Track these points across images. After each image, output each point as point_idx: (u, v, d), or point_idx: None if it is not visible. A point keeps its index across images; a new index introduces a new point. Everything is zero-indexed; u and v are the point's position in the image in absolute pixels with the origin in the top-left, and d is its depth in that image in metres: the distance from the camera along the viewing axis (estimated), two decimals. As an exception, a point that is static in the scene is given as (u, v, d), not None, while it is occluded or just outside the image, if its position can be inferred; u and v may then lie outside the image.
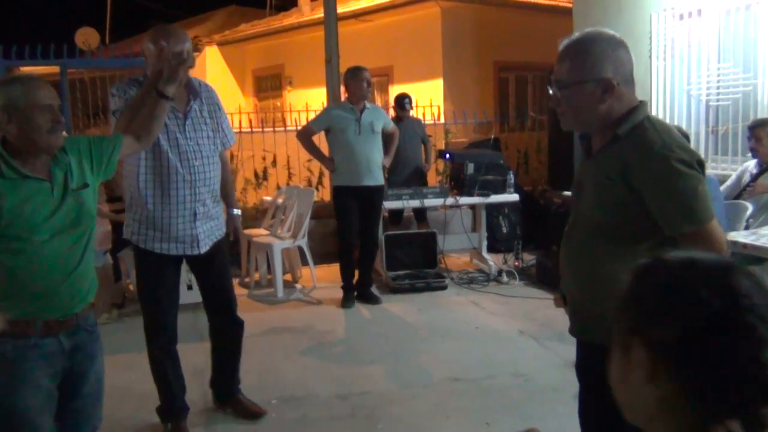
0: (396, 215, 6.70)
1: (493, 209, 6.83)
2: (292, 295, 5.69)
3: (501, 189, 6.03)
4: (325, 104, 6.98)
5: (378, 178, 5.23)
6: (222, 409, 3.40)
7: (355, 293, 5.38)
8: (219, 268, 3.21)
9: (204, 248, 3.04)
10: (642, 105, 1.88)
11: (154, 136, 2.53)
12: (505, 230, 7.07)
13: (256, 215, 6.65)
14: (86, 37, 14.16)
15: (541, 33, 9.07)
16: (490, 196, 5.99)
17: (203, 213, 3.00)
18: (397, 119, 6.61)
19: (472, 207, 6.65)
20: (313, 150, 5.38)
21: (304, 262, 5.96)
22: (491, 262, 6.11)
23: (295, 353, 4.29)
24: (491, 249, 6.57)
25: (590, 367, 2.06)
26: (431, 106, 9.60)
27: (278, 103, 13.33)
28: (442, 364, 4.03)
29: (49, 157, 2.12)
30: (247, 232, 6.04)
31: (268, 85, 14.23)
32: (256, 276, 5.99)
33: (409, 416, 3.37)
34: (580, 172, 2.05)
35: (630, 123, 1.83)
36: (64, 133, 2.19)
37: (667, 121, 5.84)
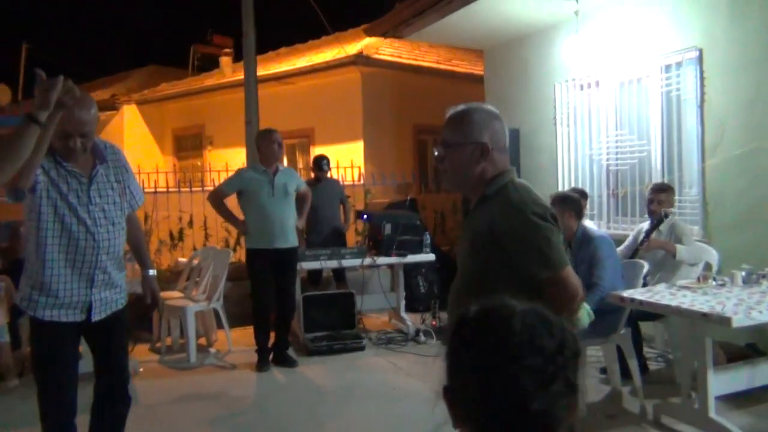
0: (315, 276, 6.69)
1: (411, 269, 6.92)
2: (206, 359, 5.52)
3: (418, 249, 6.14)
4: (245, 165, 6.98)
5: (291, 240, 5.22)
6: None
7: (271, 356, 5.28)
8: (116, 339, 3.03)
9: (98, 316, 2.86)
10: (509, 170, 2.13)
11: (16, 165, 2.30)
12: (423, 290, 7.16)
13: (171, 277, 6.48)
14: (-3, 92, 13.74)
15: (457, 98, 9.19)
16: (407, 256, 6.08)
17: (102, 280, 2.85)
18: (316, 180, 6.69)
19: (391, 267, 6.73)
20: (225, 213, 5.33)
21: (220, 326, 5.82)
22: (409, 322, 6.15)
23: (206, 422, 4.13)
24: (410, 308, 6.62)
25: None
26: (352, 167, 9.78)
27: (199, 163, 13.21)
28: (358, 428, 3.98)
29: None
30: (164, 294, 5.87)
31: (189, 144, 14.09)
32: (168, 341, 5.79)
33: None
34: (461, 232, 2.26)
35: (497, 185, 2.07)
36: None
37: (572, 182, 6.19)
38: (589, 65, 6.02)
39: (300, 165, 11.93)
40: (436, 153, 2.17)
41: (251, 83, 7.95)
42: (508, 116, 6.80)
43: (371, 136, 10.71)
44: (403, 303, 6.43)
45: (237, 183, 5.24)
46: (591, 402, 4.17)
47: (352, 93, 10.76)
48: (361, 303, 6.34)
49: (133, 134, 13.87)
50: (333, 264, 6.05)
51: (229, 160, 10.03)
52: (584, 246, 4.12)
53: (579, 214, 4.30)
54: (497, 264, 2.02)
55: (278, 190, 5.13)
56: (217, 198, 5.26)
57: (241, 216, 5.29)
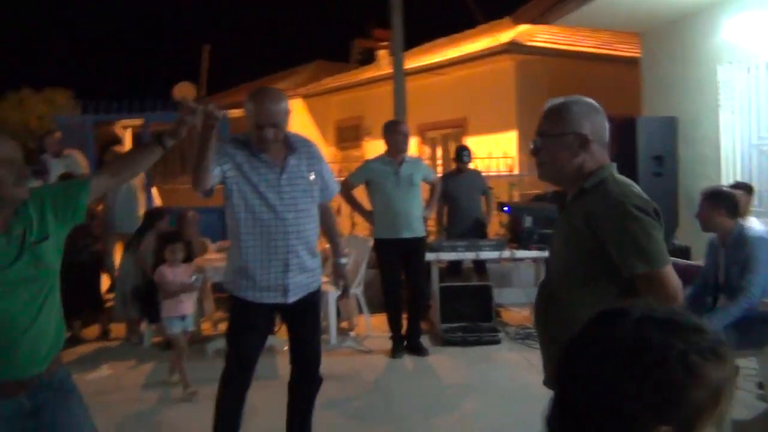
0: (455, 266, 6.70)
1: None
2: (345, 342, 5.77)
3: (559, 243, 5.92)
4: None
5: (417, 231, 5.28)
6: None
7: (405, 343, 5.40)
8: (309, 321, 3.23)
9: (292, 298, 3.07)
10: (609, 165, 2.04)
11: (133, 175, 2.45)
12: (568, 285, 6.90)
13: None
14: (183, 90, 15.26)
15: (613, 83, 8.98)
16: (547, 250, 5.88)
17: (296, 264, 3.03)
18: (457, 171, 6.69)
19: (534, 260, 6.55)
20: (353, 203, 5.51)
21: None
22: (549, 318, 5.97)
23: (330, 401, 4.31)
24: (552, 304, 6.41)
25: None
26: (505, 157, 9.63)
27: (357, 153, 13.73)
28: (476, 422, 3.97)
29: (10, 212, 2.02)
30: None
31: (349, 135, 14.69)
32: (313, 323, 6.13)
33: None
34: (555, 228, 2.21)
35: (596, 178, 2.00)
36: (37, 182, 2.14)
37: (736, 176, 5.63)
38: (758, 44, 5.41)
39: (452, 156, 11.97)
40: (532, 145, 2.11)
41: (398, 75, 8.12)
42: (665, 103, 6.38)
43: (526, 126, 10.44)
44: (542, 298, 6.24)
45: (364, 174, 5.40)
46: (742, 419, 3.80)
47: (506, 82, 10.58)
48: (501, 296, 6.26)
49: (299, 126, 14.73)
50: (470, 256, 6.02)
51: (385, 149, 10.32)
52: (739, 246, 3.71)
53: (733, 212, 3.89)
54: (593, 258, 1.96)
55: (403, 180, 5.20)
56: (345, 189, 5.43)
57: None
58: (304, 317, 3.18)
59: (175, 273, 4.62)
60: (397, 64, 8.19)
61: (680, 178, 6.15)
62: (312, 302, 3.18)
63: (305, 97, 14.89)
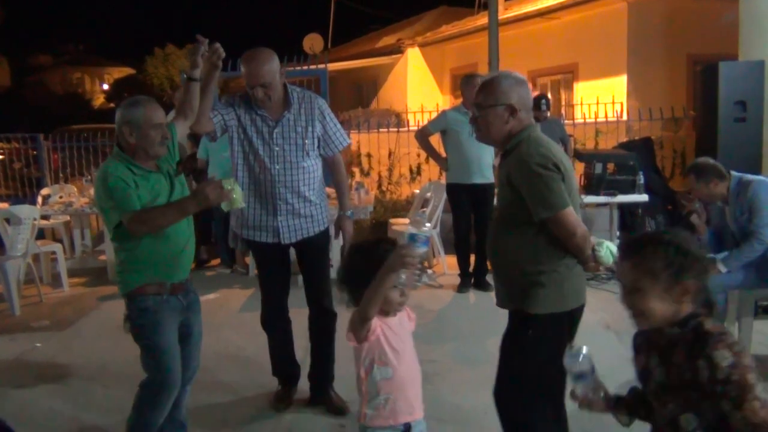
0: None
1: (642, 210, 6.79)
2: (420, 279, 6.33)
3: (630, 189, 6.05)
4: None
5: (488, 177, 5.65)
6: (313, 403, 3.58)
7: (472, 280, 5.88)
8: (311, 261, 3.47)
9: (287, 240, 3.34)
10: (528, 127, 2.42)
11: (194, 114, 2.95)
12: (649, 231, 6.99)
13: (406, 206, 7.43)
14: (312, 42, 16.16)
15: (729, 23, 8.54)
16: (617, 196, 6.05)
17: (286, 209, 3.29)
18: (535, 119, 6.89)
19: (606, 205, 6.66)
20: (429, 149, 5.95)
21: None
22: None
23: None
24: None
25: (507, 332, 2.54)
26: (613, 103, 9.53)
27: (472, 101, 13.90)
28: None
29: (156, 161, 2.72)
30: (393, 220, 6.87)
31: (464, 83, 14.85)
32: (395, 260, 6.75)
33: (459, 383, 3.90)
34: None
35: (516, 140, 2.40)
36: None
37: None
38: None
39: (562, 102, 11.89)
40: (471, 115, 2.53)
41: (493, 24, 8.33)
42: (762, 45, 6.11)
43: (636, 70, 10.26)
44: (616, 242, 6.40)
45: (441, 123, 5.81)
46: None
47: (618, 25, 10.36)
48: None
49: (415, 75, 15.18)
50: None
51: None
52: (741, 193, 3.80)
53: (720, 174, 3.89)
54: (516, 207, 2.38)
55: None
56: (422, 135, 5.89)
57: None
58: (308, 258, 3.46)
59: None
60: (492, 12, 8.40)
61: (766, 124, 5.99)
62: (315, 244, 3.42)
63: (422, 45, 15.20)
